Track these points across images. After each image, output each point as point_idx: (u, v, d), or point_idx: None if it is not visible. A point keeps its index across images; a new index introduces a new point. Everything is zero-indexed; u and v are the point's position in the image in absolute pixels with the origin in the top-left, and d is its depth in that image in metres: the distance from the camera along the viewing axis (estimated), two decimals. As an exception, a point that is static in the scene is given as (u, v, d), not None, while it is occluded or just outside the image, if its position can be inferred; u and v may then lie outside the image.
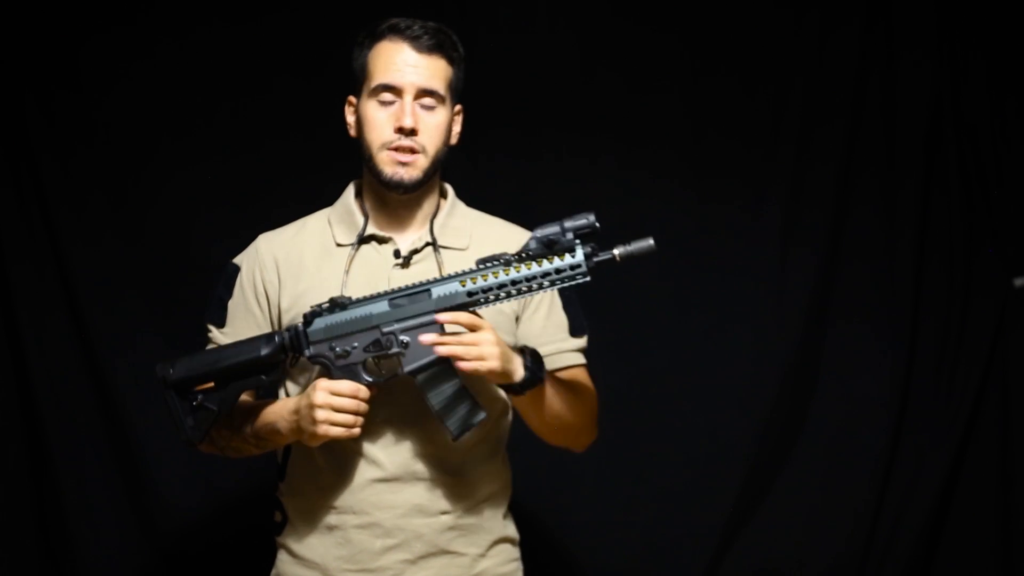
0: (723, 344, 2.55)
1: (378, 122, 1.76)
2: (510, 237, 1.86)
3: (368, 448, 1.76)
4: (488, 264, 1.64)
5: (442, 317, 1.64)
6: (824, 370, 2.56)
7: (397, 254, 1.79)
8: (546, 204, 2.40)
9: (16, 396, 2.48)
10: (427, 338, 1.63)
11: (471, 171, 2.39)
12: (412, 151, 1.75)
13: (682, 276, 2.54)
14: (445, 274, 1.69)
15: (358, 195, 1.85)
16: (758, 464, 2.53)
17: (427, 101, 1.76)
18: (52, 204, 2.46)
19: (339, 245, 1.82)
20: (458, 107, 1.84)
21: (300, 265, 1.82)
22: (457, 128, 1.84)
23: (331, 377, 1.69)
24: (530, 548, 1.97)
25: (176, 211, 2.51)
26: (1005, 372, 2.49)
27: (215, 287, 1.86)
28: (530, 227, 1.91)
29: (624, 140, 2.55)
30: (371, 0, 1.92)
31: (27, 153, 2.46)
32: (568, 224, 1.61)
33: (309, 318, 1.70)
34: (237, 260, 1.87)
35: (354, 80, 1.81)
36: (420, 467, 1.75)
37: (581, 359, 1.85)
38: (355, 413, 1.67)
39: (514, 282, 1.63)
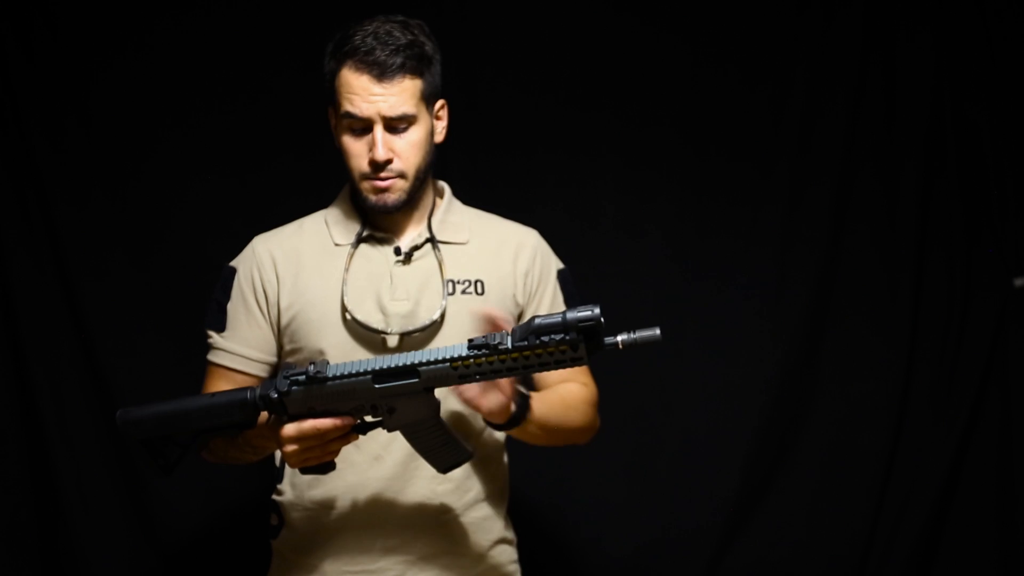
0: (723, 343, 2.54)
1: (353, 153, 1.75)
2: (510, 234, 1.87)
3: (369, 449, 1.76)
4: (483, 350, 1.53)
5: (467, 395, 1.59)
6: (824, 370, 2.55)
7: (398, 251, 1.79)
8: (545, 204, 2.43)
9: (16, 396, 2.47)
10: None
11: (470, 171, 2.40)
12: (390, 178, 1.74)
13: (682, 275, 2.54)
14: (437, 356, 1.55)
15: (355, 195, 1.84)
16: (758, 464, 2.53)
17: (399, 125, 1.74)
18: (53, 204, 2.45)
19: (338, 245, 1.81)
20: (440, 102, 1.81)
21: (299, 264, 1.81)
22: (443, 124, 1.82)
23: None
24: (529, 548, 1.98)
25: (177, 212, 2.50)
26: (1005, 372, 2.49)
27: (212, 292, 1.85)
28: (530, 226, 1.92)
29: (623, 142, 2.54)
30: (371, 4, 1.91)
31: (28, 154, 2.45)
32: (571, 316, 1.48)
33: (287, 389, 1.58)
34: (233, 263, 1.85)
35: (328, 90, 1.78)
36: (421, 468, 1.73)
37: None
38: (323, 445, 1.59)
39: (510, 369, 1.53)
